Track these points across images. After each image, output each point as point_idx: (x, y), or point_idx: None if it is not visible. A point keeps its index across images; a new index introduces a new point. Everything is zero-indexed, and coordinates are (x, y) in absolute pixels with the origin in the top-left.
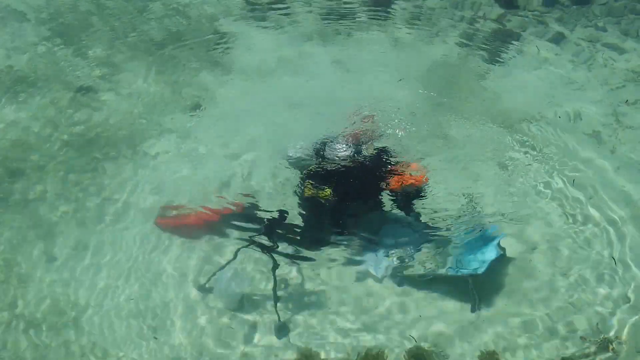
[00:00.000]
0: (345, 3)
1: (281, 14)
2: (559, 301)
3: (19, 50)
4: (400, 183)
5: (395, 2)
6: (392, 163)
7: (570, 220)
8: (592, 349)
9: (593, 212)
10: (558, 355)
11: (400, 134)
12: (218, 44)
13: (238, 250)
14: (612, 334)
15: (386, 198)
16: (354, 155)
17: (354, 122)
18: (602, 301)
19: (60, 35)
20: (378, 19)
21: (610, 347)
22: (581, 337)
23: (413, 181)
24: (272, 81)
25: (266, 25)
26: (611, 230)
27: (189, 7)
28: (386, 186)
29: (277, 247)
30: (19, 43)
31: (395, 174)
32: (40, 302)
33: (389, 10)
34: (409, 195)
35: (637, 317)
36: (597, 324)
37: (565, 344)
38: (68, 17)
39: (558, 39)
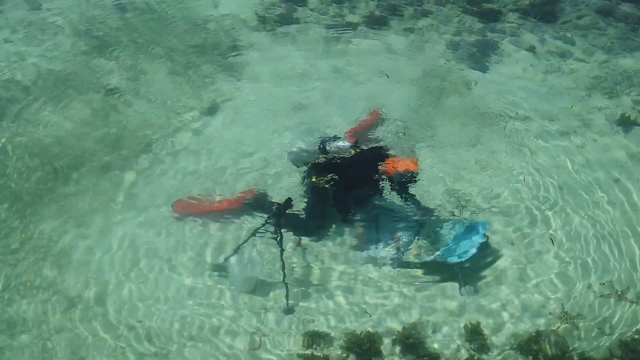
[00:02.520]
0: (347, 18)
1: (290, 26)
2: (532, 282)
3: (57, 59)
4: (393, 170)
5: (390, 18)
6: (387, 154)
7: (542, 211)
8: (557, 322)
9: (563, 203)
10: (532, 327)
11: (394, 130)
12: (233, 53)
13: (249, 236)
14: (574, 310)
15: (382, 186)
16: (352, 149)
17: (359, 117)
18: (565, 283)
19: (93, 45)
20: (375, 32)
21: (571, 320)
22: (550, 313)
23: (405, 167)
24: (281, 85)
25: (277, 36)
26: (576, 218)
27: (207, 21)
28: (382, 173)
29: (283, 234)
30: (57, 52)
31: (389, 163)
32: (74, 281)
33: (385, 24)
34: (403, 181)
35: (592, 296)
36: (562, 302)
37: (536, 318)
38: (100, 29)
39: (532, 49)
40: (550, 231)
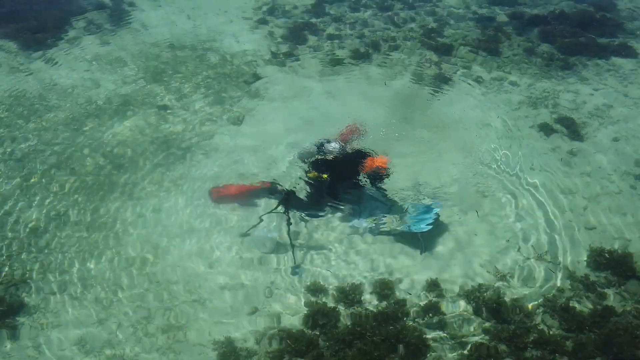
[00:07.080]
0: (336, 54)
1: (294, 60)
2: (475, 246)
3: (122, 84)
4: (370, 168)
5: (370, 53)
6: (366, 155)
7: (482, 193)
8: (493, 279)
9: (502, 187)
10: (475, 280)
11: (372, 138)
12: (253, 79)
13: (266, 212)
14: (506, 271)
15: (363, 179)
16: (342, 151)
17: (344, 130)
18: (499, 248)
19: (149, 74)
20: (359, 64)
21: (504, 279)
22: (487, 271)
23: (380, 166)
24: (289, 105)
25: (284, 67)
26: (512, 200)
27: (233, 55)
28: (362, 170)
29: (290, 212)
30: (122, 79)
31: (367, 162)
32: (132, 249)
33: (366, 57)
34: (377, 175)
35: (519, 257)
36: (496, 262)
37: (478, 273)
38: (154, 62)
39: (478, 77)
40: (481, 209)
